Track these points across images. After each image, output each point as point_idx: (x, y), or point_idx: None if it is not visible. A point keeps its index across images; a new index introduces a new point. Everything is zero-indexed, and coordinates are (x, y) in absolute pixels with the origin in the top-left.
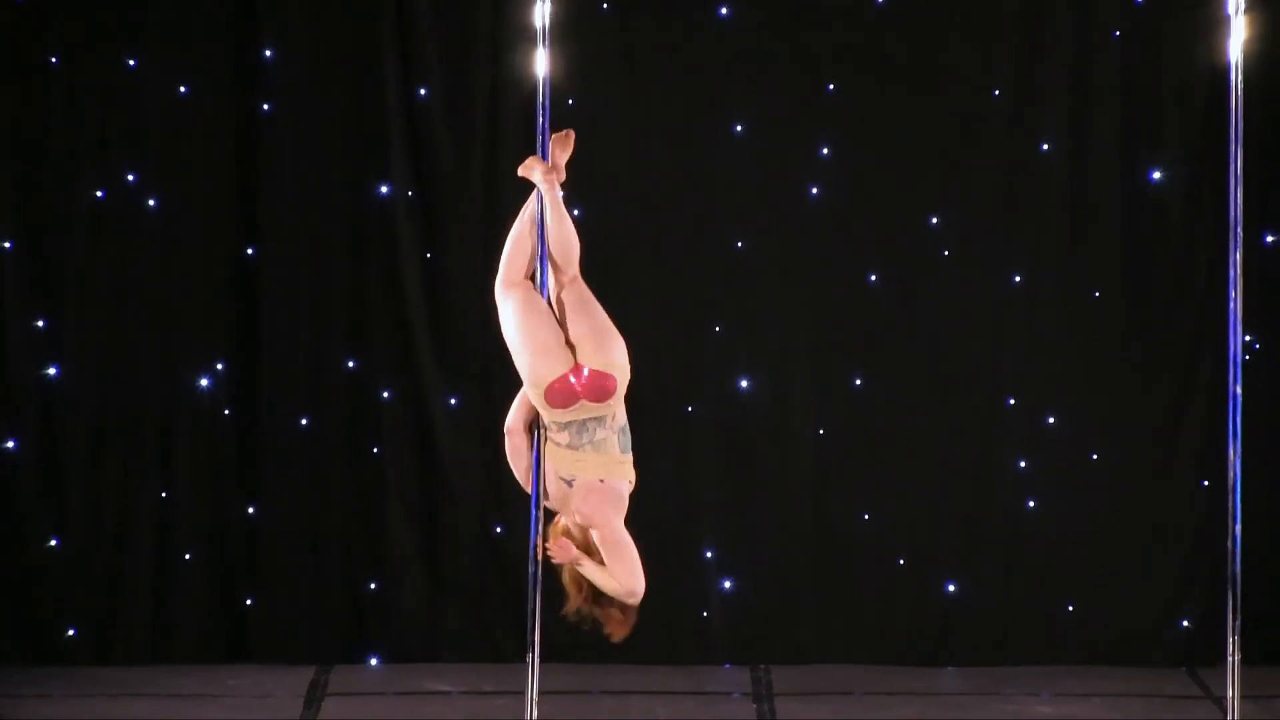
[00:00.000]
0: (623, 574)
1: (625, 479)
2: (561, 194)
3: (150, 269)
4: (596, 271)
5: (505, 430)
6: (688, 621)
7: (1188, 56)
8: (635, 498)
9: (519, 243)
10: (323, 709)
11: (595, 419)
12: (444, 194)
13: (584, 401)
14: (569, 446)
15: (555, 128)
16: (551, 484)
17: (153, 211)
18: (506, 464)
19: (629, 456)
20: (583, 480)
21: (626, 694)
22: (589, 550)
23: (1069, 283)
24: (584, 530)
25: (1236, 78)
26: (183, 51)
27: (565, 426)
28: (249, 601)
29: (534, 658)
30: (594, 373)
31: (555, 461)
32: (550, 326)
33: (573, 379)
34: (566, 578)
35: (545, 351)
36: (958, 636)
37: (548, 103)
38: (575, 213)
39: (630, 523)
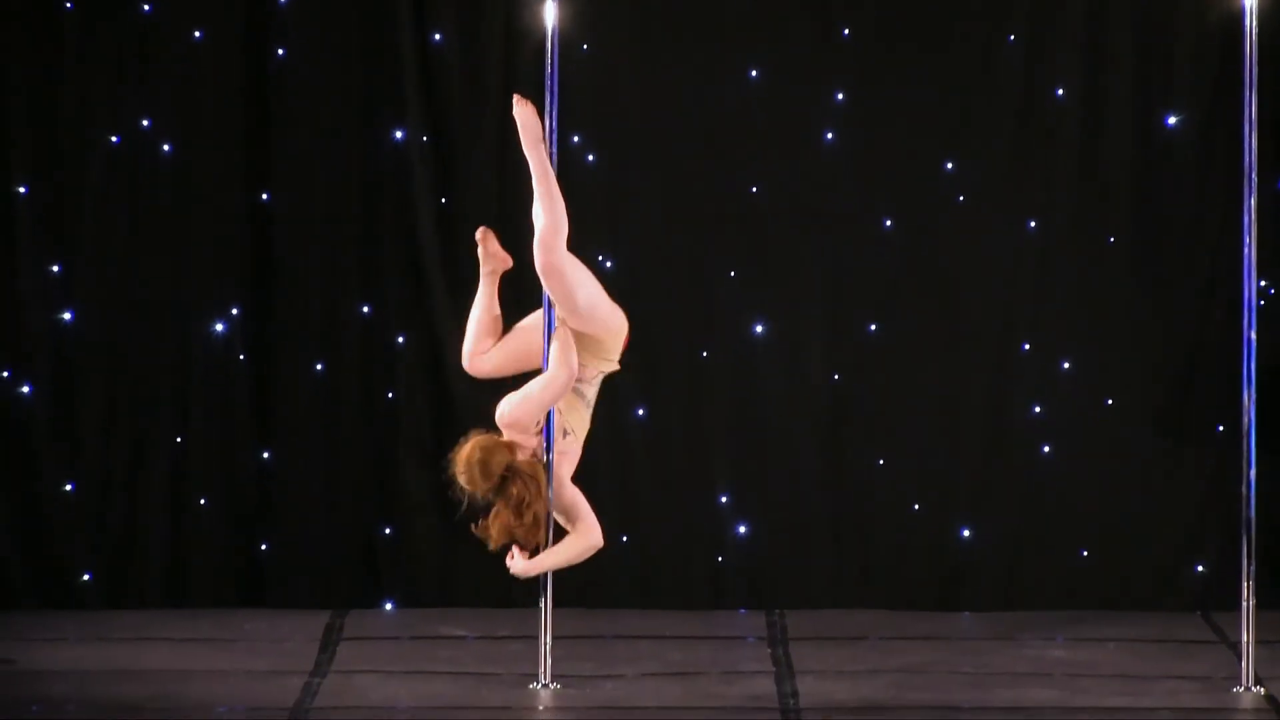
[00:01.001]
0: (588, 530)
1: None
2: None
3: (165, 214)
4: (610, 218)
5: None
6: (702, 566)
7: (1202, 2)
8: (649, 442)
9: (560, 211)
10: (338, 653)
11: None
12: (459, 139)
13: None
14: (586, 403)
15: (567, 71)
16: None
17: (167, 156)
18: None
19: None
20: (573, 436)
21: (640, 639)
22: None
23: (1083, 228)
24: (519, 507)
25: (1251, 23)
26: None
27: (595, 381)
28: (264, 546)
29: (547, 603)
30: None
31: (567, 414)
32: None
33: None
34: (497, 531)
35: (615, 307)
36: (972, 582)
37: (555, 50)
38: (590, 159)
39: (644, 467)
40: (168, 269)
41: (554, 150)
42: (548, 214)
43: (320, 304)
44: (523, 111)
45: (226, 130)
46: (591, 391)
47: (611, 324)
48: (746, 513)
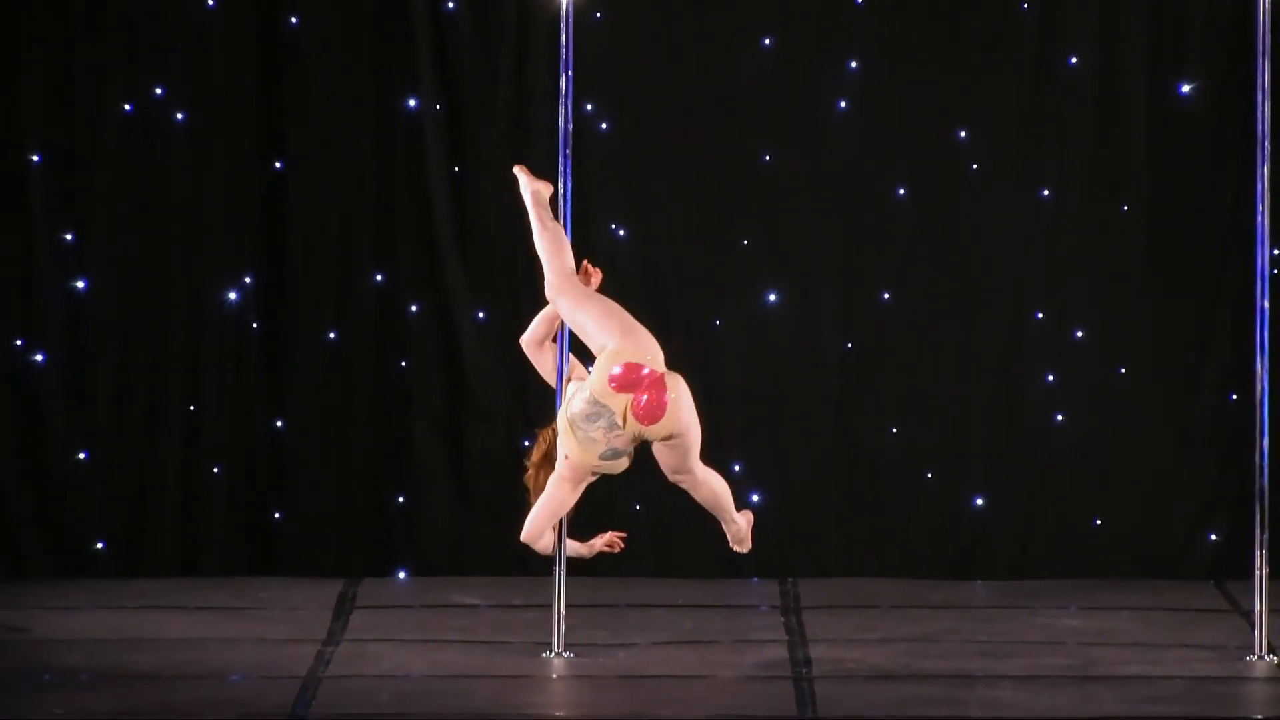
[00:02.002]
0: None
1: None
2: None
3: (178, 182)
4: (623, 187)
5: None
6: (715, 535)
7: None
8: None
9: (557, 241)
10: (351, 621)
11: (606, 415)
12: (472, 107)
13: (632, 403)
14: (575, 428)
15: (580, 39)
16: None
17: (180, 125)
18: (532, 376)
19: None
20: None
21: (653, 607)
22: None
23: (1096, 197)
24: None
25: None
26: None
27: (589, 415)
28: (277, 515)
29: (561, 571)
30: (659, 394)
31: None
32: (627, 315)
33: (645, 371)
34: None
35: (631, 331)
36: (985, 550)
37: (570, 19)
38: (603, 127)
39: None
40: (181, 238)
41: (568, 119)
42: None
43: (333, 273)
44: (523, 181)
45: (240, 99)
46: (580, 418)
47: (613, 346)
48: (760, 481)
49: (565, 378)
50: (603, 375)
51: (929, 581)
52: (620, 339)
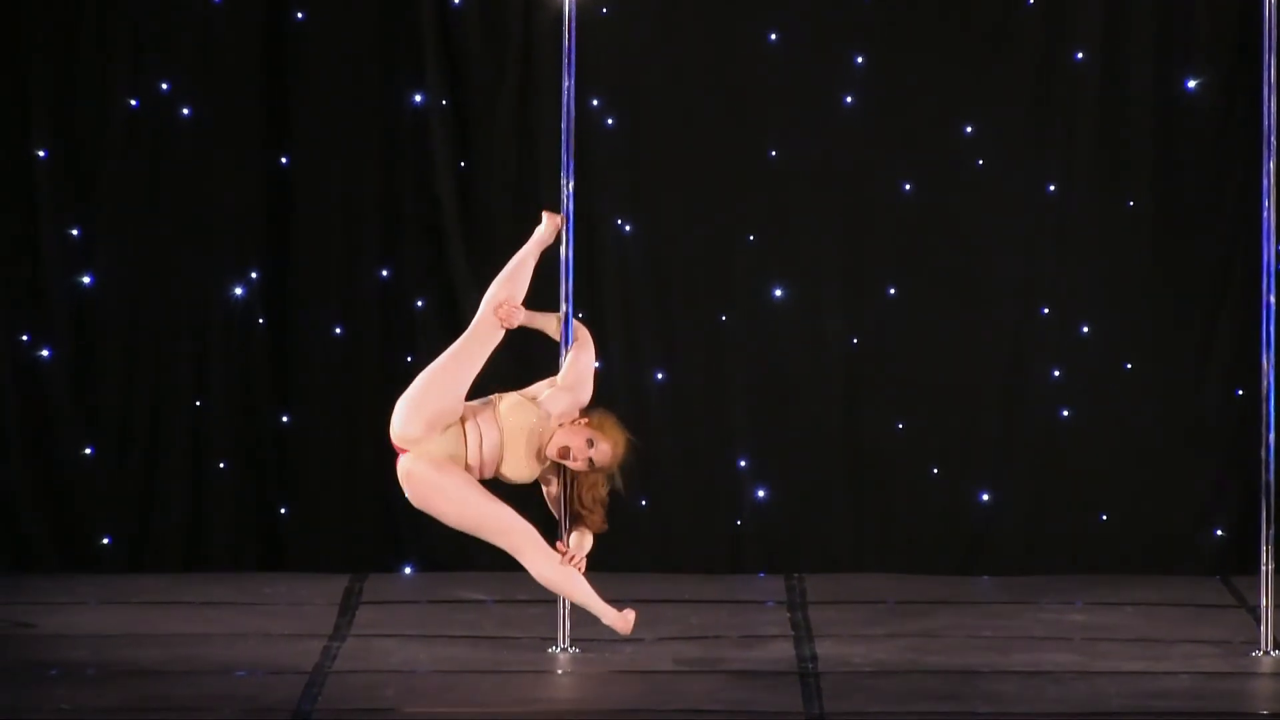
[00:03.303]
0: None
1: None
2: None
3: (184, 177)
4: (629, 181)
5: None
6: (721, 530)
7: None
8: (668, 406)
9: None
10: (357, 617)
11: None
12: (478, 103)
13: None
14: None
15: (586, 35)
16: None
17: (186, 120)
18: (539, 373)
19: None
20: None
21: (659, 603)
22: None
23: (1102, 192)
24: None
25: None
26: None
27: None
28: (283, 510)
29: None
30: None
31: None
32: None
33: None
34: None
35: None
36: (991, 546)
37: (574, 13)
38: (609, 122)
39: (663, 431)
40: (187, 233)
41: (572, 113)
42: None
43: (339, 267)
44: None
45: (245, 94)
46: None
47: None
48: (766, 477)
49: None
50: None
51: (935, 577)
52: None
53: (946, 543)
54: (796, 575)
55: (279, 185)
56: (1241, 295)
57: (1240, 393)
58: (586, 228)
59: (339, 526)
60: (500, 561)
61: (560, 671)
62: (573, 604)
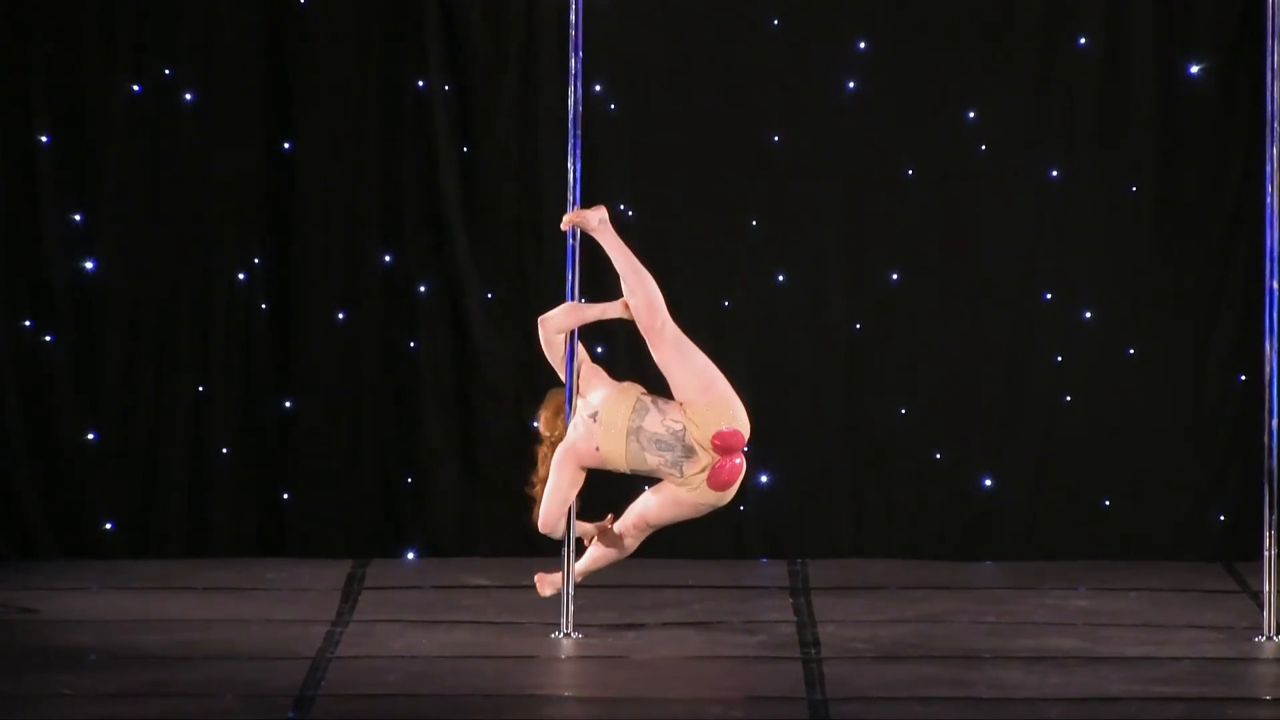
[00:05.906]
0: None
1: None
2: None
3: (186, 163)
4: (632, 167)
5: (539, 319)
6: (724, 516)
7: None
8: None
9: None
10: (359, 602)
11: (679, 454)
12: (480, 88)
13: (715, 464)
14: (632, 437)
15: (589, 21)
16: (581, 419)
17: (188, 105)
18: (541, 357)
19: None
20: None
21: (662, 588)
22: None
23: (1104, 177)
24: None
25: None
26: None
27: (661, 441)
28: (285, 496)
29: (569, 552)
30: (736, 473)
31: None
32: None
33: (744, 448)
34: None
35: (732, 397)
36: (993, 531)
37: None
38: (611, 107)
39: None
40: (189, 218)
41: (577, 99)
42: (639, 292)
43: (341, 253)
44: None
45: (247, 79)
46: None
47: (731, 400)
48: (768, 462)
49: (575, 370)
50: (707, 424)
51: (937, 562)
52: (724, 395)
53: (949, 528)
54: (799, 560)
55: (281, 171)
56: (1243, 281)
57: (1242, 378)
58: None
59: (341, 512)
60: (503, 546)
61: (563, 657)
62: (573, 589)
